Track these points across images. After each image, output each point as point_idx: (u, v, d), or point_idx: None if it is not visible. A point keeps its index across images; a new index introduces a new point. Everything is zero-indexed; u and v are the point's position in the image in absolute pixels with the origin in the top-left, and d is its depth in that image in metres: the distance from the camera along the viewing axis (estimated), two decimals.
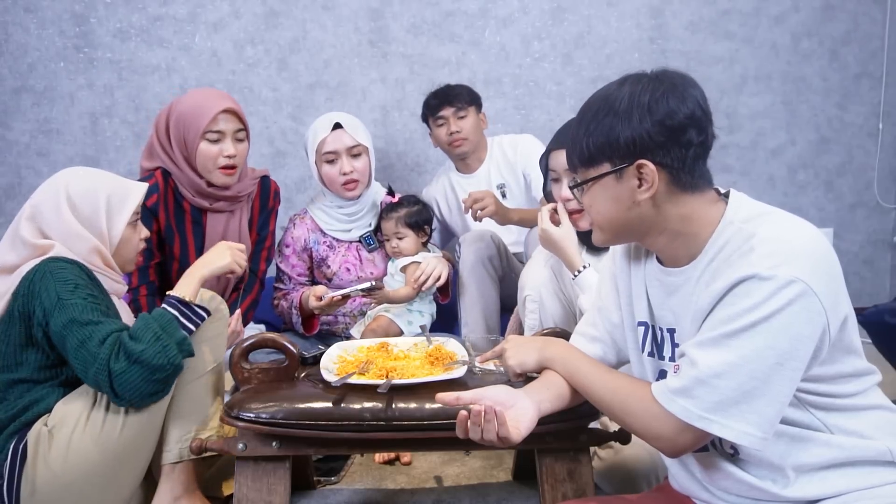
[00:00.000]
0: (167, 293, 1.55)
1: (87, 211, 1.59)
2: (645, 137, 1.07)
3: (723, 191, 1.16)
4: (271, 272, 2.59)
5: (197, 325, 1.53)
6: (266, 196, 2.29)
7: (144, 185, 1.71)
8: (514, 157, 2.68)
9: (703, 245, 1.10)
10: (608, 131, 1.09)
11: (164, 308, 1.51)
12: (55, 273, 1.48)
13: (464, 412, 1.16)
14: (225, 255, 1.66)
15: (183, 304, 1.53)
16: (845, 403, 1.08)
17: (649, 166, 1.07)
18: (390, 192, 2.44)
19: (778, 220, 1.08)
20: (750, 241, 1.04)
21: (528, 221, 2.44)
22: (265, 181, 2.29)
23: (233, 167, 2.09)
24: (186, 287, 1.57)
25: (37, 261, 1.53)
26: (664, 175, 1.08)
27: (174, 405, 1.55)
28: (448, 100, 2.61)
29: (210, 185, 2.10)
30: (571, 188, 1.20)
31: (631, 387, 1.18)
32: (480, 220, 2.39)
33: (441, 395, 1.20)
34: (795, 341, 0.99)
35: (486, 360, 1.46)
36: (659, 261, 1.19)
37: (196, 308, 1.54)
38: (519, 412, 1.18)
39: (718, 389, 1.01)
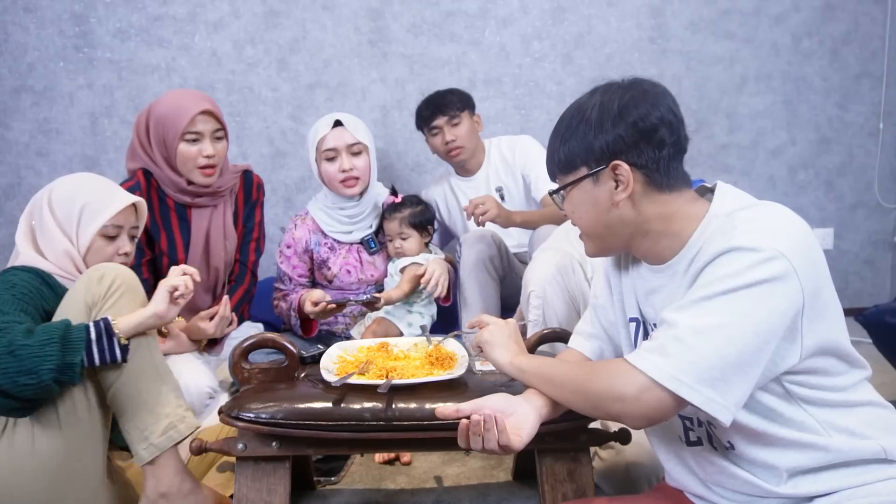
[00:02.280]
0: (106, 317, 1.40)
1: (61, 216, 1.60)
2: (618, 140, 1.11)
3: (709, 185, 1.17)
4: (272, 272, 2.59)
5: (103, 362, 1.36)
6: (249, 189, 2.33)
7: (127, 199, 1.66)
8: (512, 159, 2.67)
9: (687, 240, 1.12)
10: (582, 138, 1.14)
11: (85, 325, 1.36)
12: (4, 278, 1.46)
13: (464, 422, 1.16)
14: (160, 288, 1.48)
15: (108, 331, 1.37)
16: (835, 399, 1.08)
17: (624, 167, 1.11)
18: (393, 193, 2.43)
19: (764, 208, 1.09)
20: (733, 221, 1.06)
21: (532, 223, 2.43)
22: (247, 175, 2.34)
23: (212, 167, 2.14)
24: (127, 319, 1.40)
25: None
26: (639, 175, 1.12)
27: (121, 406, 1.42)
28: (440, 109, 2.59)
29: (190, 182, 2.14)
30: (551, 194, 1.22)
31: (601, 361, 1.22)
32: (483, 225, 2.38)
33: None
34: (772, 315, 1.00)
35: (472, 326, 1.46)
36: (646, 261, 1.20)
37: (116, 343, 1.37)
38: (520, 419, 1.18)
39: (694, 349, 1.00)
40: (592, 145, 1.13)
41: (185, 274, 1.51)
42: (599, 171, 1.13)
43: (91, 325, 1.36)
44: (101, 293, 1.41)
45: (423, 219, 2.35)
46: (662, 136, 1.11)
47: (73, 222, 1.60)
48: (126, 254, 1.66)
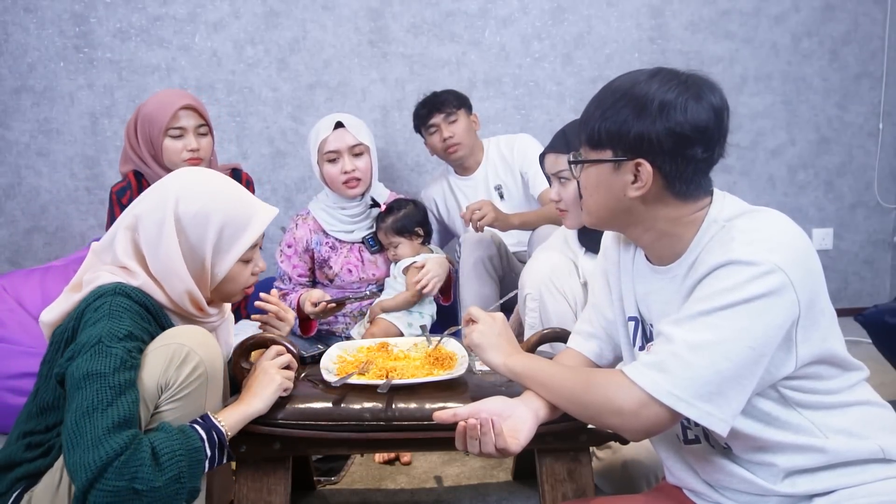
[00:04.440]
0: (211, 415, 1.26)
1: (192, 238, 1.33)
2: (653, 139, 1.07)
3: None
4: (272, 271, 2.59)
5: (212, 468, 1.24)
6: None
7: (270, 212, 1.42)
8: (510, 157, 2.68)
9: (688, 244, 1.12)
10: (622, 122, 1.09)
11: (199, 438, 1.20)
12: (113, 312, 1.23)
13: (461, 424, 1.16)
14: (274, 379, 1.36)
15: (221, 444, 1.24)
16: (831, 401, 1.09)
17: (646, 167, 1.08)
18: (374, 204, 2.40)
19: (761, 216, 1.09)
20: (731, 232, 1.06)
21: (530, 224, 2.43)
22: (236, 173, 2.38)
23: (198, 160, 2.20)
24: (233, 421, 1.28)
25: (112, 279, 1.29)
26: (659, 179, 1.09)
27: None
28: (437, 107, 2.60)
29: None
30: (571, 163, 1.20)
31: (598, 370, 1.22)
32: (481, 230, 2.38)
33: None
34: (769, 329, 1.01)
35: (466, 322, 1.40)
36: (647, 257, 1.20)
37: (226, 450, 1.26)
38: (517, 422, 1.18)
39: (692, 366, 1.01)
40: (627, 134, 1.08)
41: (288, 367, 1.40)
42: (622, 161, 1.10)
43: (206, 442, 1.21)
44: (179, 380, 1.22)
45: (407, 222, 2.33)
46: (695, 152, 1.07)
47: (206, 249, 1.34)
48: (261, 271, 1.46)
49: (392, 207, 2.36)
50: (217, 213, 1.34)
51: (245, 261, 1.41)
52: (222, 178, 1.42)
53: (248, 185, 2.38)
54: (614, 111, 1.10)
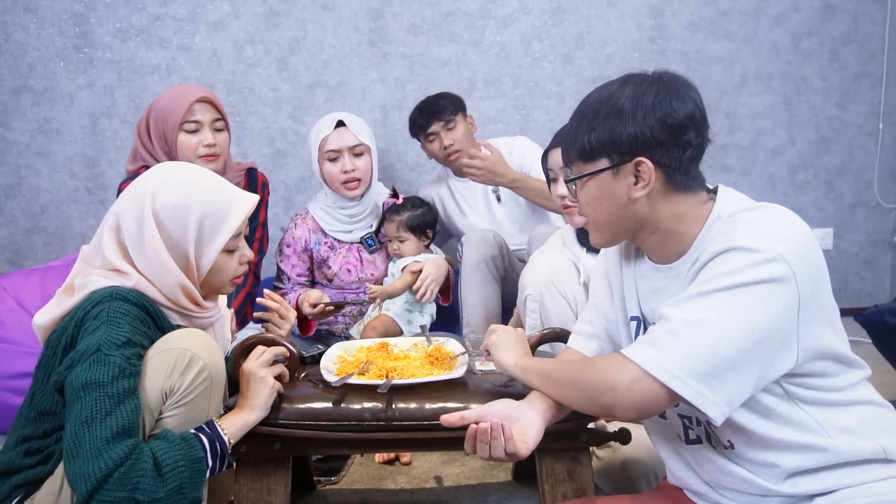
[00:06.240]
0: (215, 421, 1.26)
1: (173, 232, 1.31)
2: (647, 135, 1.08)
3: (711, 187, 1.18)
4: (272, 271, 2.59)
5: (212, 475, 1.25)
6: (254, 188, 2.30)
7: (251, 200, 1.40)
8: (508, 160, 2.66)
9: (692, 241, 1.12)
10: (611, 128, 1.10)
11: (201, 447, 1.20)
12: (112, 319, 1.21)
13: (472, 427, 1.16)
14: (266, 381, 1.35)
15: (223, 453, 1.24)
16: (834, 398, 1.09)
17: (647, 164, 1.09)
18: (394, 194, 2.43)
19: (767, 210, 1.10)
20: (735, 223, 1.06)
21: (522, 186, 2.48)
22: (252, 173, 2.32)
23: (214, 156, 2.11)
24: (235, 430, 1.28)
25: (105, 282, 1.28)
26: (660, 174, 1.10)
27: None
28: (435, 115, 2.56)
29: None
30: (567, 182, 1.20)
31: (600, 357, 1.23)
32: (464, 175, 2.47)
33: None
34: (769, 316, 1.00)
35: (483, 348, 1.44)
36: (649, 257, 1.20)
37: (228, 457, 1.26)
38: (525, 425, 1.18)
39: (689, 343, 1.01)
40: (619, 138, 1.09)
41: (275, 364, 1.39)
42: (621, 165, 1.11)
43: (208, 451, 1.21)
44: (184, 385, 1.21)
45: (422, 222, 2.34)
46: (689, 137, 1.09)
47: (188, 241, 1.32)
48: (249, 260, 1.45)
49: (410, 203, 2.36)
50: (195, 205, 1.32)
51: (230, 251, 1.39)
52: (199, 170, 1.41)
53: (264, 187, 2.33)
54: (600, 120, 1.11)
